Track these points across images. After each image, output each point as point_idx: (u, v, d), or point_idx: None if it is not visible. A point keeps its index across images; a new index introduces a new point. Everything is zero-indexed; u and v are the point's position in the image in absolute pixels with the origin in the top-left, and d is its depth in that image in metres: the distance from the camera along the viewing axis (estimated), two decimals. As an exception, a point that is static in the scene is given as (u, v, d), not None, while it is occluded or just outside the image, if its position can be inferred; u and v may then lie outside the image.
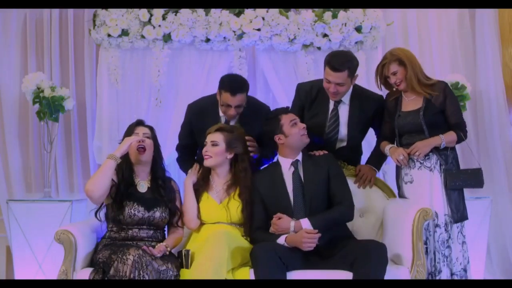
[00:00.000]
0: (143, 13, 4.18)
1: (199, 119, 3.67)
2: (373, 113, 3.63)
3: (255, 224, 3.28)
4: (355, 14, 4.23)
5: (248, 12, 4.19)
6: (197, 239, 3.29)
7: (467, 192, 3.77)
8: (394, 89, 3.54)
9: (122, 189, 3.16)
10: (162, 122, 4.26)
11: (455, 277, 3.36)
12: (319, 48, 4.29)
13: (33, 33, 4.59)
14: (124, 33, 4.20)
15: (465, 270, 3.39)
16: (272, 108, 4.10)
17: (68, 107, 4.30)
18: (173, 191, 3.36)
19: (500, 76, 4.62)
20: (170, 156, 4.17)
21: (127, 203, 3.17)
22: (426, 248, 3.36)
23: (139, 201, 3.20)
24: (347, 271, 3.02)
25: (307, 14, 4.23)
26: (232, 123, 3.61)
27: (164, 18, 4.19)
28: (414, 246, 3.13)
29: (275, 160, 3.45)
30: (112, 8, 4.17)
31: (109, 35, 4.21)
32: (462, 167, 3.59)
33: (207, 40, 4.24)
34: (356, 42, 4.31)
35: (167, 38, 4.23)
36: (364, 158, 3.84)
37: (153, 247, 3.10)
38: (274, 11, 4.20)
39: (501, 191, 4.52)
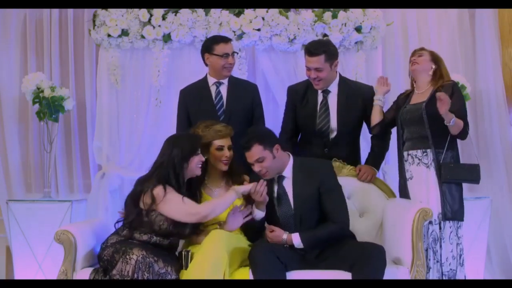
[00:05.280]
0: (143, 13, 4.17)
1: (192, 97, 3.77)
2: (363, 102, 3.69)
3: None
4: (355, 14, 4.23)
5: (248, 12, 4.19)
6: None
7: (466, 191, 3.77)
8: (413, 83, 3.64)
9: None
10: (162, 122, 4.26)
11: (444, 278, 3.34)
12: (319, 48, 4.29)
13: (33, 33, 4.59)
14: (124, 33, 4.20)
15: (455, 271, 3.36)
16: (271, 106, 4.14)
17: (68, 107, 4.30)
18: None
19: (500, 76, 4.62)
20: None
21: None
22: None
23: None
24: (346, 271, 3.01)
25: (307, 14, 4.22)
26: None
27: (164, 18, 4.19)
28: (414, 246, 3.13)
29: None
30: (112, 8, 4.16)
31: (109, 35, 4.20)
32: (462, 168, 3.58)
33: (207, 40, 4.25)
34: (356, 42, 4.30)
35: (167, 38, 4.23)
36: (363, 159, 3.85)
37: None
38: (274, 11, 4.19)
39: (501, 191, 4.51)
